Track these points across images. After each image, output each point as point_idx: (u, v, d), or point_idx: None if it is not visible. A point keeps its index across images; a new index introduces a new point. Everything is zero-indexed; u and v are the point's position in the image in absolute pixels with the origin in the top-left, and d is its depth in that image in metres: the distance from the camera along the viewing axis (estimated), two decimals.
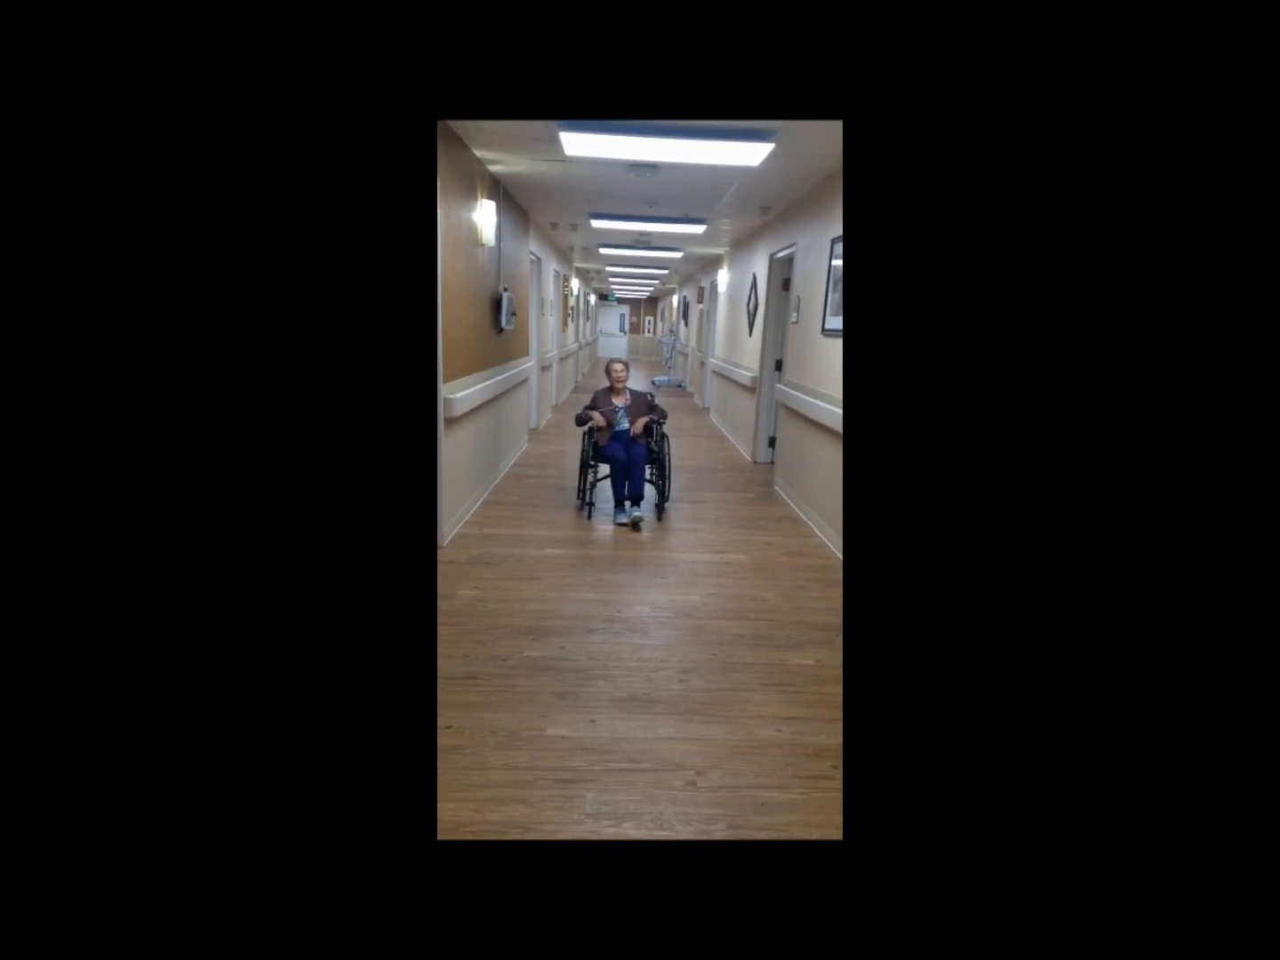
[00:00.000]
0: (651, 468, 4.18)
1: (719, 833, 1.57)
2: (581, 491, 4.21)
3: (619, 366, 4.16)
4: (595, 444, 4.12)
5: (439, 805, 1.62)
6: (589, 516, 3.99)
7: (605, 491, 4.21)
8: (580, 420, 4.12)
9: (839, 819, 1.63)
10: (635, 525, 3.83)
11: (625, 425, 4.14)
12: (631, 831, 1.54)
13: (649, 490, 4.20)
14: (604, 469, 4.21)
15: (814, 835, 1.58)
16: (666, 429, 4.34)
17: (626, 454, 3.99)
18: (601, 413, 4.10)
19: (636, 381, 4.23)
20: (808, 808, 1.67)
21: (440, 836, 1.51)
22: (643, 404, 4.21)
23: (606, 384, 4.26)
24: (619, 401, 4.20)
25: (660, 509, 4.12)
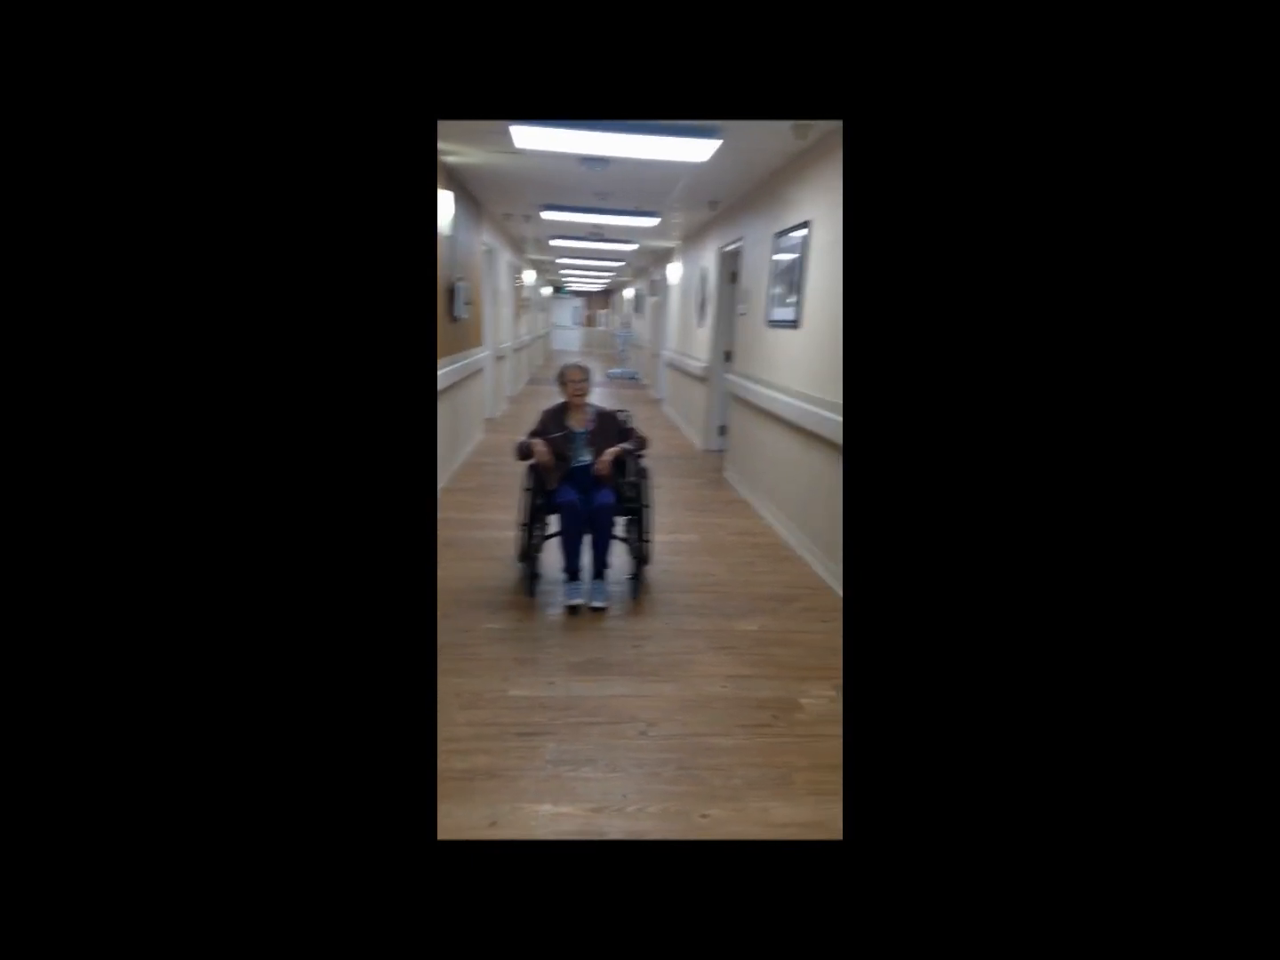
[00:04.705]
0: (627, 521, 2.90)
1: (668, 773, 1.73)
2: (524, 554, 2.82)
3: (577, 374, 2.86)
4: (542, 486, 2.77)
5: None
6: (532, 592, 2.73)
7: (555, 553, 2.79)
8: (522, 452, 2.76)
9: (778, 759, 1.80)
10: (595, 610, 2.61)
11: (586, 459, 2.80)
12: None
13: (619, 555, 2.90)
14: (555, 522, 2.79)
15: (755, 774, 1.74)
16: (648, 460, 2.96)
17: (586, 502, 2.68)
18: (549, 441, 2.77)
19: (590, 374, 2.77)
20: (751, 750, 1.83)
21: None
22: (612, 428, 2.87)
23: (560, 399, 2.94)
24: (578, 424, 2.86)
25: (636, 581, 2.81)
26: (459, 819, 1.53)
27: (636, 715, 1.97)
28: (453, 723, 1.88)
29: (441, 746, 1.78)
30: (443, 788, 1.63)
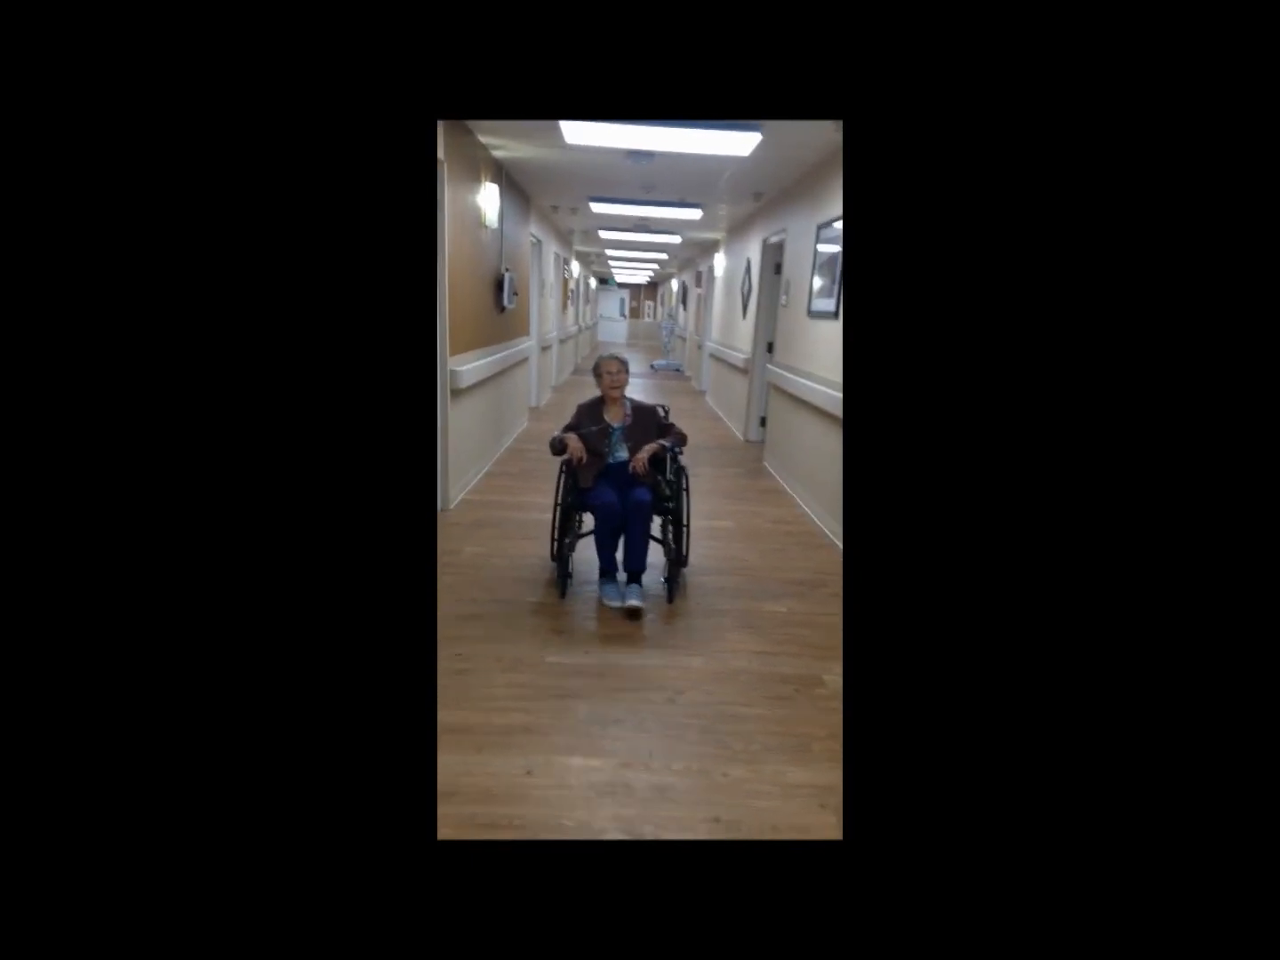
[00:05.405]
0: (663, 520, 2.79)
1: (692, 735, 1.83)
2: (556, 552, 2.76)
3: (614, 366, 2.74)
4: (576, 484, 2.71)
5: (451, 711, 1.88)
6: (563, 593, 2.65)
7: (590, 550, 2.75)
8: (556, 447, 2.70)
9: (798, 729, 1.89)
10: (632, 614, 2.52)
11: (622, 456, 2.72)
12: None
13: (655, 556, 2.78)
14: (589, 521, 2.74)
15: (774, 740, 1.84)
16: (689, 460, 2.84)
17: (621, 501, 2.60)
18: (583, 435, 2.69)
19: (633, 366, 2.75)
20: (772, 720, 1.93)
21: (451, 737, 1.77)
22: (650, 423, 2.78)
23: (597, 393, 2.83)
24: (614, 419, 2.77)
25: (671, 584, 2.71)
26: (497, 768, 1.67)
27: (665, 684, 2.08)
28: (493, 684, 2.03)
29: (482, 705, 1.92)
30: (482, 740, 1.77)
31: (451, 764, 1.67)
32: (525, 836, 1.46)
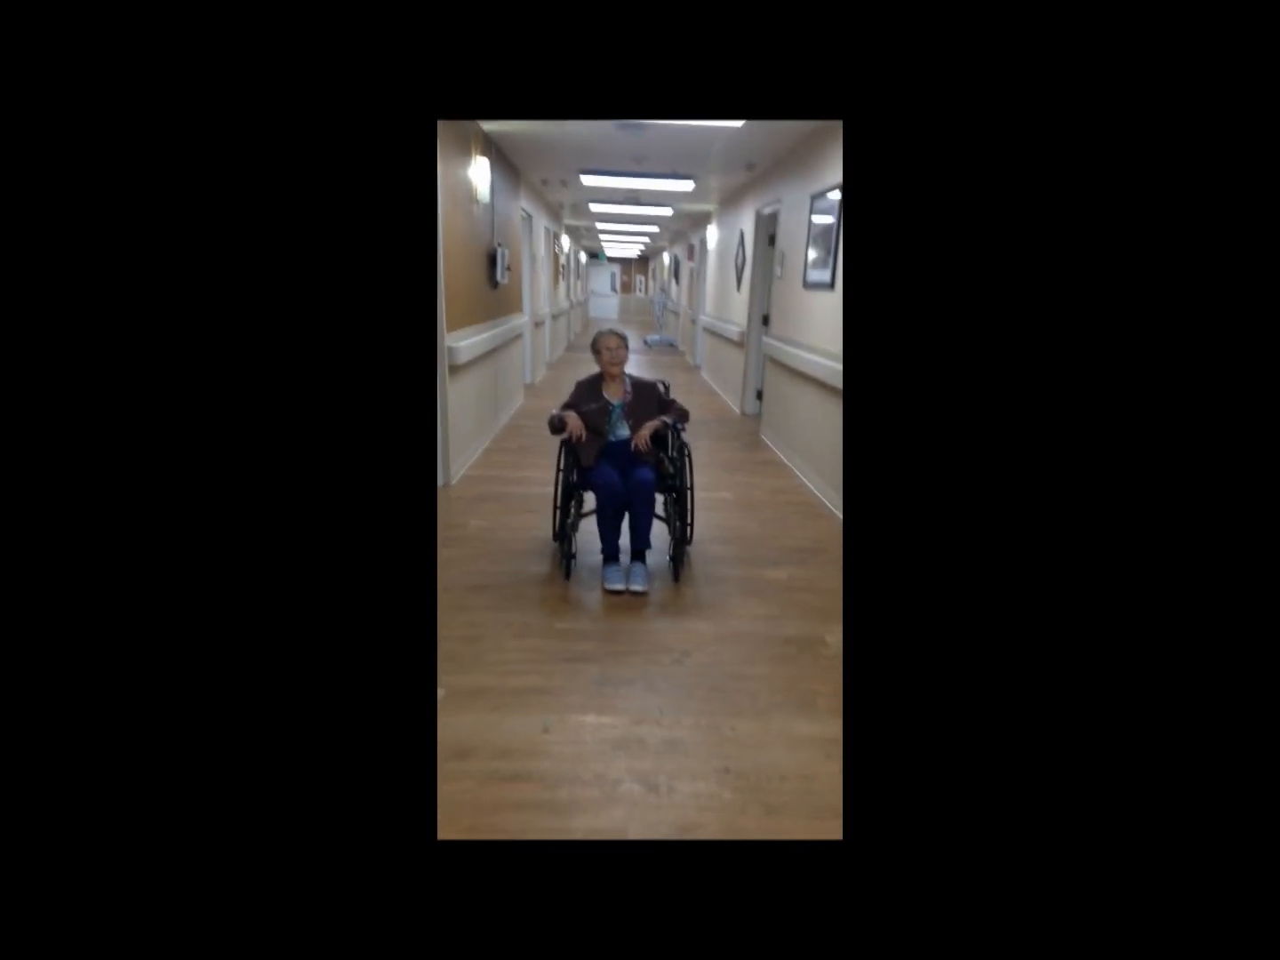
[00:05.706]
0: (667, 499, 2.77)
1: (701, 693, 1.90)
2: (559, 534, 2.75)
3: (613, 341, 2.67)
4: (576, 463, 2.68)
5: (465, 676, 1.94)
6: (568, 574, 2.63)
7: (592, 530, 2.67)
8: (554, 426, 2.64)
9: (802, 685, 1.96)
10: (636, 596, 2.49)
11: (623, 433, 2.68)
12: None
13: (659, 535, 2.73)
14: (590, 500, 2.76)
15: (780, 697, 1.90)
16: (688, 435, 2.80)
17: (623, 480, 2.55)
18: (583, 413, 2.65)
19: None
20: (776, 678, 1.99)
21: (467, 699, 1.83)
22: (651, 399, 2.73)
23: (595, 369, 2.77)
24: (614, 396, 2.72)
25: (676, 562, 2.67)
26: (514, 726, 1.73)
27: (672, 646, 2.14)
28: (504, 649, 2.08)
29: (495, 669, 1.98)
30: (498, 701, 1.83)
31: (469, 723, 1.73)
32: (546, 788, 1.53)
